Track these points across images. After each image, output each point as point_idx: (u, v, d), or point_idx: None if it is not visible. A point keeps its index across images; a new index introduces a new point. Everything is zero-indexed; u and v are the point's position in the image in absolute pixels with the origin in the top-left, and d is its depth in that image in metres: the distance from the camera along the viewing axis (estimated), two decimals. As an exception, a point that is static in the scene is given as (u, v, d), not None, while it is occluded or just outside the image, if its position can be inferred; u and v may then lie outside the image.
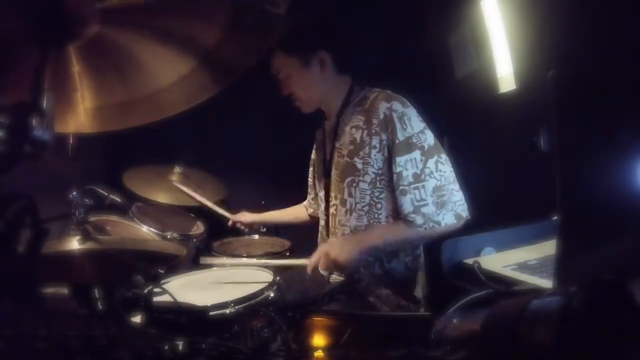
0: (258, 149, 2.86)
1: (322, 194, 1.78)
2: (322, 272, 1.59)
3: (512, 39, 1.79)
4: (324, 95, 1.68)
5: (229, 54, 0.78)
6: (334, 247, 1.53)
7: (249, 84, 1.70)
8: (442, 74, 2.43)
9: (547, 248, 1.21)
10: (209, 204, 2.14)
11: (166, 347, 0.79)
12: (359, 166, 1.58)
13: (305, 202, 2.11)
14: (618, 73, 0.70)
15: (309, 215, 2.09)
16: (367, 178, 1.58)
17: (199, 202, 2.15)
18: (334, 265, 1.53)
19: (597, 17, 1.27)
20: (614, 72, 0.70)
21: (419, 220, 1.47)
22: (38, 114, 0.60)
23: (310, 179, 2.04)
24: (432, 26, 2.43)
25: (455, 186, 1.51)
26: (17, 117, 0.58)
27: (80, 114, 0.83)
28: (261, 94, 1.94)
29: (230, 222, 2.16)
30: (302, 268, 1.59)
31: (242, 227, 2.17)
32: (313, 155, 1.99)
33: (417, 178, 1.48)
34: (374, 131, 1.55)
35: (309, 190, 2.06)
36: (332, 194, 1.70)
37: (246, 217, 2.15)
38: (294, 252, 2.19)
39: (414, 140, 1.49)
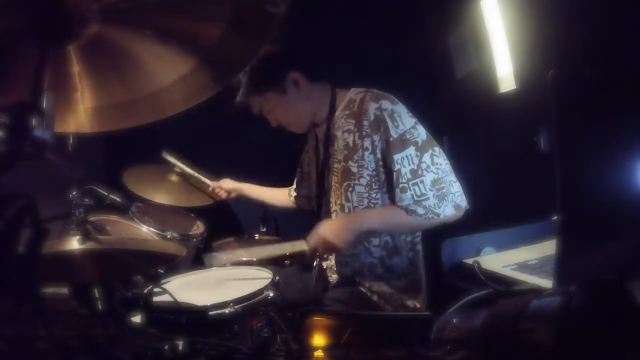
0: (258, 148, 2.86)
1: (317, 200, 1.78)
2: (321, 254, 1.56)
3: (512, 39, 1.79)
4: (311, 110, 1.68)
5: (228, 54, 0.78)
6: (329, 233, 1.53)
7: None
8: (442, 74, 2.42)
9: (547, 248, 1.21)
10: (190, 170, 2.15)
11: (166, 347, 0.79)
12: (354, 170, 1.58)
13: (291, 187, 2.11)
14: (618, 73, 0.70)
15: (294, 202, 2.08)
16: (363, 181, 1.58)
17: (182, 170, 2.17)
18: (330, 249, 1.53)
19: (597, 17, 1.27)
20: (614, 72, 0.70)
21: (420, 210, 1.48)
22: (38, 113, 0.60)
23: (297, 177, 2.05)
24: (432, 26, 2.43)
25: (452, 177, 1.52)
26: (17, 117, 0.58)
27: (80, 114, 0.83)
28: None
29: (210, 188, 2.15)
30: (302, 255, 1.59)
31: (222, 194, 2.15)
32: (302, 157, 1.99)
33: (415, 174, 1.48)
34: (364, 133, 1.55)
35: (296, 180, 2.06)
36: (332, 200, 1.69)
37: (227, 184, 2.13)
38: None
39: (407, 137, 1.49)
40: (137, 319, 1.04)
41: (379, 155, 1.54)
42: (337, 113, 1.66)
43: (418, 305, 1.64)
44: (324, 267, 1.77)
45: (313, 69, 1.65)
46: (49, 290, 0.97)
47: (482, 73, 2.01)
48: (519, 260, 1.16)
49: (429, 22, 2.42)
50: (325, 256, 1.69)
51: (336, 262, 1.71)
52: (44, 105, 0.62)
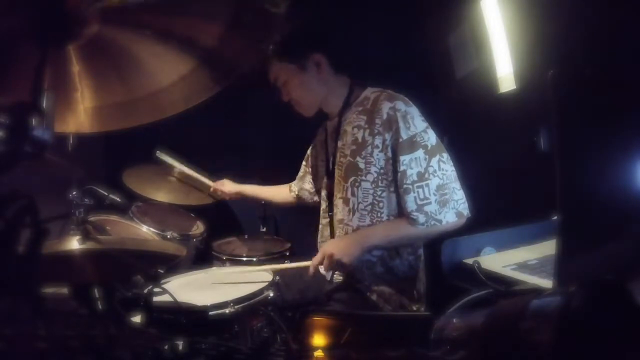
0: (258, 148, 2.86)
1: (324, 193, 1.79)
2: (324, 272, 1.59)
3: (512, 38, 1.79)
4: (324, 97, 1.69)
5: (228, 54, 0.78)
6: (335, 247, 1.54)
7: (249, 82, 1.70)
8: (442, 74, 2.42)
9: (547, 248, 1.21)
10: (190, 172, 2.16)
11: (166, 347, 0.79)
12: (361, 166, 1.59)
13: (291, 183, 2.12)
14: (618, 73, 0.70)
15: (294, 197, 2.10)
16: (370, 177, 1.58)
17: (180, 170, 2.17)
18: (337, 265, 1.54)
19: (597, 17, 1.27)
20: (614, 72, 0.70)
21: (421, 218, 1.48)
22: (38, 113, 0.60)
23: (301, 171, 2.07)
24: (432, 26, 2.43)
25: (457, 185, 1.52)
26: (17, 117, 0.58)
27: (80, 114, 0.83)
28: (262, 92, 1.94)
29: (211, 189, 2.17)
30: (304, 269, 1.60)
31: (223, 196, 2.16)
32: (309, 151, 2.02)
33: (421, 177, 1.49)
34: (376, 131, 1.55)
35: (299, 174, 2.08)
36: (335, 194, 1.70)
37: (227, 186, 2.14)
38: (293, 252, 2.19)
39: (418, 139, 1.50)
40: (137, 319, 1.04)
41: (389, 154, 1.54)
42: (350, 108, 1.67)
43: (415, 308, 1.64)
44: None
45: (339, 59, 1.67)
46: (49, 290, 0.97)
47: (482, 73, 2.01)
48: (519, 260, 1.16)
49: (429, 22, 2.42)
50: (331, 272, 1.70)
51: None
52: (44, 105, 0.62)
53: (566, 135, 0.68)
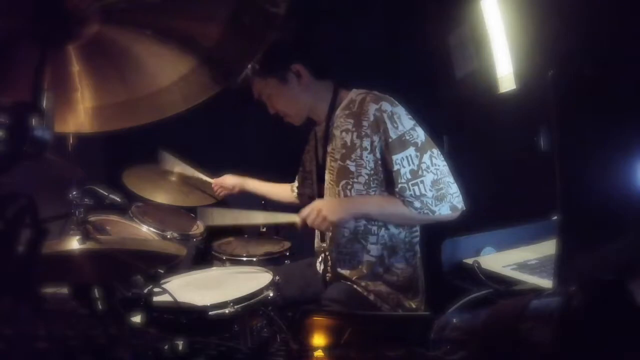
0: (258, 148, 2.86)
1: (317, 198, 1.79)
2: (310, 225, 1.57)
3: (512, 38, 1.79)
4: (310, 104, 1.69)
5: (228, 54, 0.78)
6: (325, 205, 1.55)
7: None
8: (442, 74, 2.42)
9: (547, 248, 1.21)
10: (190, 172, 2.18)
11: (166, 347, 0.79)
12: (352, 169, 1.60)
13: (293, 184, 2.14)
14: (618, 73, 0.70)
15: (296, 197, 2.12)
16: (361, 180, 1.59)
17: (180, 172, 2.19)
18: (324, 223, 1.54)
19: (597, 17, 1.27)
20: (614, 72, 0.70)
21: (417, 204, 1.50)
22: (38, 113, 0.60)
23: (299, 176, 2.09)
24: (432, 26, 2.43)
25: (450, 178, 1.54)
26: (17, 117, 0.58)
27: (80, 114, 0.83)
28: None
29: (213, 185, 2.18)
30: (303, 267, 1.60)
31: (223, 192, 2.18)
32: (303, 157, 2.03)
33: (415, 174, 1.50)
34: (364, 133, 1.56)
35: (298, 179, 2.10)
36: (328, 198, 1.70)
37: (229, 179, 2.16)
38: (293, 252, 2.19)
39: (407, 138, 1.51)
40: (137, 319, 1.04)
41: (377, 155, 1.55)
42: (337, 112, 1.67)
43: (414, 306, 1.64)
44: (328, 263, 1.77)
45: (319, 65, 1.67)
46: (49, 290, 0.97)
47: (482, 73, 2.01)
48: (519, 260, 1.16)
49: (429, 22, 2.42)
50: (317, 230, 1.68)
51: (335, 260, 1.72)
52: (44, 105, 0.62)
53: (566, 135, 0.68)
